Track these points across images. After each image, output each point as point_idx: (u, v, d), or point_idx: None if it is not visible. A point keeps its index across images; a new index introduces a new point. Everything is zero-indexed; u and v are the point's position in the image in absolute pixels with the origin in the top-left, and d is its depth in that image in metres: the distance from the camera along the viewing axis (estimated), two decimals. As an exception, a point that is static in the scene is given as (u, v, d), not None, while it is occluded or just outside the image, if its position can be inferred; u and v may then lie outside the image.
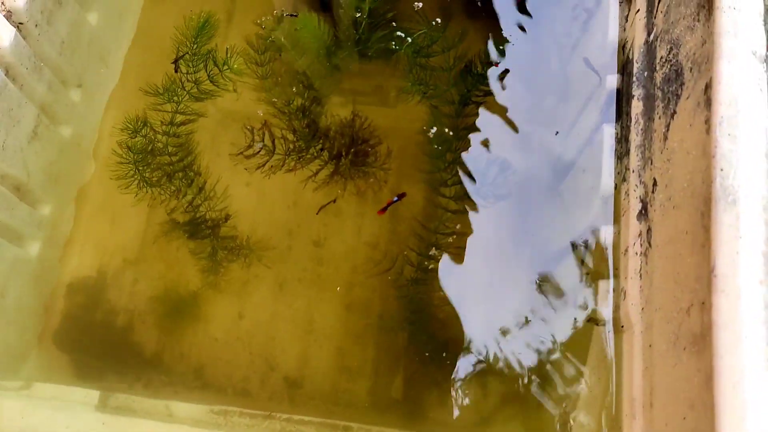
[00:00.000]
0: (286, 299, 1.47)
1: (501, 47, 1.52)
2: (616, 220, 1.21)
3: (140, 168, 1.39)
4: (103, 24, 1.61)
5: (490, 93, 1.50)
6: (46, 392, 1.33)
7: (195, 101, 1.45)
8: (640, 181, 1.12)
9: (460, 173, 1.46)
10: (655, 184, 1.06)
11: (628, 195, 1.16)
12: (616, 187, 1.22)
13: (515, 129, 1.50)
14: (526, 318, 1.34)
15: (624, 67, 1.26)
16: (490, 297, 1.44)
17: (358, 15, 1.47)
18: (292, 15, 1.41)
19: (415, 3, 1.56)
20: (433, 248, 1.43)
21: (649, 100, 1.13)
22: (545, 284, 1.34)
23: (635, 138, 1.15)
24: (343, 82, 1.50)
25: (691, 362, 0.84)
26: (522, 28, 1.55)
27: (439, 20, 1.55)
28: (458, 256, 1.44)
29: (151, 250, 1.47)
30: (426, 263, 1.42)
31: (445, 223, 1.44)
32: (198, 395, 1.38)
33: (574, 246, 1.31)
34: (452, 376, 1.39)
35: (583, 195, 1.35)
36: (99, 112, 1.55)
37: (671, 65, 1.05)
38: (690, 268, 0.88)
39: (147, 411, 1.30)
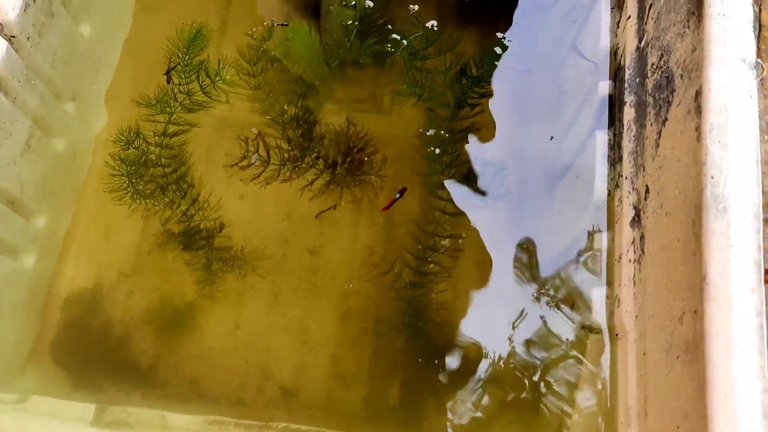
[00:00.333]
0: (281, 309, 1.46)
1: (496, 51, 1.52)
2: (610, 226, 1.21)
3: (133, 180, 1.39)
4: (95, 36, 1.61)
5: (485, 95, 1.50)
6: (42, 406, 1.33)
7: (188, 112, 1.45)
8: (633, 188, 1.12)
9: (457, 175, 1.45)
10: (647, 191, 1.06)
11: (621, 202, 1.16)
12: (609, 194, 1.22)
13: (510, 132, 1.50)
14: (523, 323, 1.34)
15: (616, 74, 1.26)
16: (488, 301, 1.43)
17: (350, 23, 1.47)
18: (282, 24, 1.41)
19: (411, 6, 1.56)
20: (431, 251, 1.42)
21: (640, 107, 1.13)
22: (541, 290, 1.34)
23: (628, 145, 1.15)
24: (337, 89, 1.50)
25: (684, 371, 0.84)
26: (517, 33, 1.55)
27: (434, 23, 1.55)
28: (456, 259, 1.44)
29: (146, 261, 1.47)
30: (423, 266, 1.41)
31: (442, 226, 1.44)
32: (194, 406, 1.38)
33: (569, 252, 1.31)
34: (449, 382, 1.39)
35: (577, 201, 1.35)
36: (94, 124, 1.55)
37: (662, 72, 1.05)
38: (682, 275, 0.88)
39: (143, 423, 1.30)
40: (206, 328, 1.44)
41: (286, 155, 1.40)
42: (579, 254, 1.29)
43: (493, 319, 1.41)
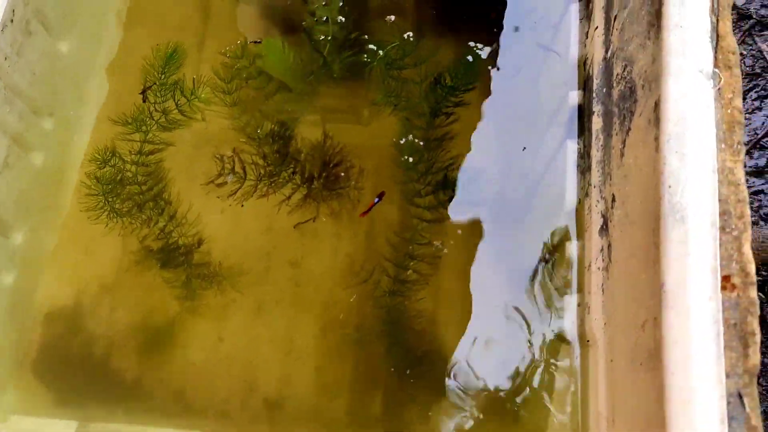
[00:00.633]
0: (264, 321, 1.47)
1: (470, 61, 1.54)
2: (580, 235, 1.22)
3: (110, 199, 1.40)
4: (75, 53, 1.62)
5: (460, 104, 1.52)
6: (22, 425, 1.33)
7: (164, 130, 1.46)
8: (601, 196, 1.13)
9: (433, 182, 1.47)
10: (614, 199, 1.07)
11: (590, 210, 1.17)
12: (579, 202, 1.24)
13: (485, 140, 1.52)
14: (501, 330, 1.35)
15: (585, 83, 1.28)
16: (466, 308, 1.44)
17: (322, 38, 1.48)
18: (255, 42, 1.43)
19: (388, 17, 1.58)
20: (409, 259, 1.44)
21: (607, 117, 1.15)
22: (517, 297, 1.35)
23: (596, 154, 1.17)
24: (315, 103, 1.52)
25: (646, 378, 0.85)
26: (490, 43, 1.57)
27: (410, 34, 1.57)
28: (434, 266, 1.45)
29: (127, 277, 1.48)
30: (402, 275, 1.43)
31: (420, 233, 1.45)
32: (177, 420, 1.38)
33: (543, 260, 1.33)
34: (431, 391, 1.40)
35: (550, 209, 1.37)
36: (72, 141, 1.56)
37: (626, 82, 1.07)
38: (644, 284, 0.89)
39: (126, 439, 1.30)
40: (189, 342, 1.45)
41: (263, 171, 1.42)
42: (552, 262, 1.31)
43: (472, 327, 1.42)
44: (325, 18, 1.46)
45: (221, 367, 1.44)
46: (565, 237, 1.28)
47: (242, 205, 1.45)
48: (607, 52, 1.19)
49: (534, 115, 1.50)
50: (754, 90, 2.40)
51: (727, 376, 0.79)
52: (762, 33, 2.46)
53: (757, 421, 0.80)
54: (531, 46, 1.57)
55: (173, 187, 1.45)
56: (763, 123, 2.34)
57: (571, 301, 1.18)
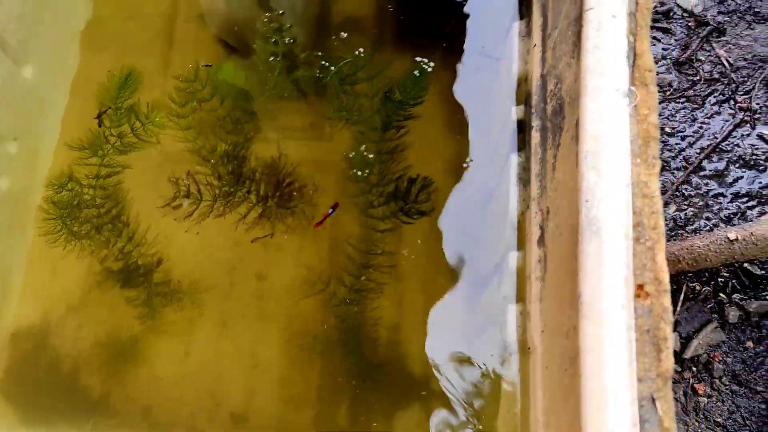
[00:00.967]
0: (230, 335, 1.50)
1: (418, 76, 1.58)
2: (522, 245, 1.27)
3: (67, 222, 1.43)
4: (39, 77, 1.65)
5: (409, 118, 1.56)
6: (-11, 446, 1.35)
7: (120, 154, 1.50)
8: (539, 208, 1.18)
9: (384, 194, 1.51)
10: (548, 212, 1.11)
11: (530, 222, 1.22)
12: (522, 214, 1.28)
13: (435, 152, 1.56)
14: (453, 338, 1.39)
15: (526, 99, 1.32)
16: (421, 315, 1.48)
17: (272, 59, 1.52)
18: (207, 65, 1.47)
19: (341, 33, 1.62)
20: (365, 269, 1.47)
21: (543, 132, 1.19)
22: (468, 304, 1.39)
23: (535, 167, 1.21)
24: (268, 123, 1.56)
25: (570, 384, 0.89)
26: (440, 59, 1.62)
27: (362, 50, 1.61)
28: (389, 275, 1.49)
29: (93, 296, 1.51)
30: (358, 284, 1.46)
31: (375, 244, 1.49)
32: (145, 436, 1.41)
33: (490, 268, 1.37)
34: (393, 400, 1.43)
35: (495, 220, 1.41)
36: (36, 165, 1.59)
37: (557, 99, 1.12)
38: (568, 294, 0.93)
39: (93, 456, 1.32)
40: (155, 358, 1.47)
41: (218, 191, 1.45)
42: (499, 271, 1.35)
43: (427, 334, 1.46)
44: (274, 40, 1.51)
45: (187, 381, 1.46)
46: (510, 247, 1.32)
47: (197, 233, 1.48)
48: (543, 69, 1.24)
49: (481, 129, 1.55)
50: (713, 95, 2.46)
51: (641, 380, 0.83)
52: (719, 39, 2.52)
53: (670, 423, 0.84)
54: (479, 61, 1.61)
55: (132, 209, 1.48)
56: (722, 127, 2.40)
57: (514, 310, 1.22)
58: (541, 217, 1.16)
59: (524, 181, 1.28)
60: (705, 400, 2.10)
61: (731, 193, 2.33)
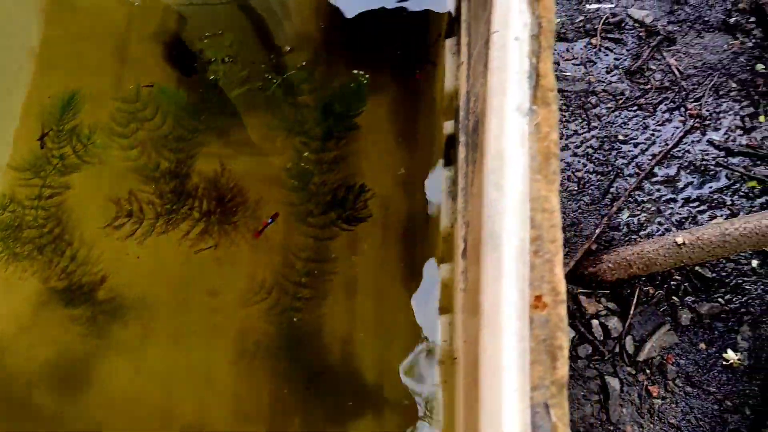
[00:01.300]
0: (182, 352, 1.52)
1: (358, 88, 1.62)
2: (450, 258, 1.30)
3: (10, 244, 1.45)
4: (-10, 99, 1.67)
5: (350, 129, 1.60)
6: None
7: (62, 175, 1.52)
8: (464, 221, 1.21)
9: (323, 202, 1.54)
10: (468, 225, 1.15)
11: (457, 235, 1.25)
12: (451, 226, 1.32)
13: (372, 163, 1.60)
14: (393, 347, 1.43)
15: (455, 114, 1.36)
16: (365, 323, 1.51)
17: (212, 77, 1.56)
18: (148, 86, 1.50)
19: (285, 47, 1.66)
20: (307, 277, 1.50)
21: (467, 147, 1.23)
22: (405, 313, 1.43)
23: (461, 181, 1.25)
24: (212, 139, 1.59)
25: (475, 394, 0.93)
26: (379, 72, 1.66)
27: (304, 63, 1.65)
28: (331, 282, 1.52)
29: (43, 314, 1.53)
30: (302, 293, 1.49)
31: (316, 252, 1.52)
32: (97, 454, 1.42)
33: (426, 278, 1.41)
34: (345, 411, 1.46)
35: (428, 232, 1.46)
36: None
37: (475, 116, 1.16)
38: (477, 305, 0.97)
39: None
40: (107, 376, 1.49)
41: (160, 209, 1.48)
42: (433, 281, 1.39)
43: (379, 343, 1.50)
44: (213, 59, 1.54)
45: (139, 399, 1.48)
46: (443, 259, 1.36)
47: (147, 251, 1.51)
48: (468, 86, 1.28)
49: (416, 141, 1.59)
50: (664, 103, 2.52)
51: (536, 388, 0.87)
52: (670, 48, 2.58)
53: (564, 429, 0.88)
54: (407, 73, 1.66)
55: (75, 229, 1.50)
56: (673, 134, 2.46)
57: (442, 321, 1.26)
58: (465, 230, 1.20)
59: (453, 194, 1.32)
60: (659, 401, 2.14)
61: (682, 198, 2.38)
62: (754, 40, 2.61)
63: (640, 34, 2.62)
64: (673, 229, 2.33)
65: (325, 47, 1.75)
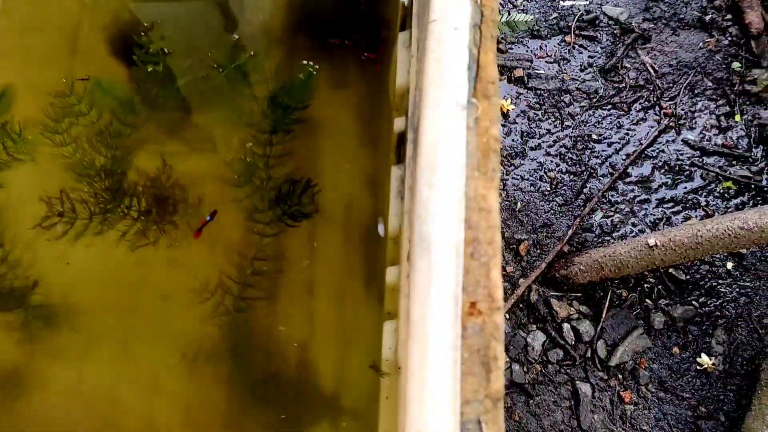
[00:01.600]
0: (130, 358, 1.45)
1: (307, 80, 1.56)
2: (397, 260, 1.24)
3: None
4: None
5: (298, 121, 1.54)
6: None
7: (-9, 173, 1.45)
8: (409, 222, 1.15)
9: (268, 197, 1.49)
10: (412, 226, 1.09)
11: (404, 236, 1.19)
12: (400, 227, 1.25)
13: (320, 157, 1.54)
14: (344, 350, 1.37)
15: (407, 111, 1.30)
16: (322, 325, 1.45)
17: (150, 68, 1.49)
18: (83, 79, 1.43)
19: (233, 36, 1.60)
20: (254, 275, 1.45)
21: (413, 145, 1.17)
22: (364, 318, 1.37)
23: (408, 180, 1.18)
24: (150, 135, 1.51)
25: (405, 408, 0.86)
26: (330, 63, 1.60)
27: (253, 52, 1.59)
28: (282, 282, 1.46)
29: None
30: (248, 293, 1.43)
31: (263, 249, 1.47)
32: (36, 466, 1.36)
33: (374, 284, 1.35)
34: (302, 419, 1.40)
35: (377, 231, 1.40)
36: None
37: (418, 111, 1.09)
38: (408, 311, 0.90)
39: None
40: (46, 384, 1.41)
41: (94, 208, 1.41)
42: (380, 286, 1.32)
43: (338, 348, 1.44)
44: (154, 51, 1.47)
45: (81, 408, 1.40)
46: (393, 261, 1.29)
47: (67, 263, 1.44)
48: (418, 80, 1.21)
49: (380, 138, 1.53)
50: (638, 102, 2.46)
51: (468, 402, 0.80)
52: (644, 46, 2.53)
53: (497, 445, 0.81)
54: (370, 68, 1.60)
55: (8, 229, 1.43)
56: (647, 133, 2.40)
57: (387, 327, 1.19)
58: (410, 231, 1.13)
59: (402, 194, 1.26)
60: (632, 407, 2.08)
61: (656, 199, 2.33)
62: (730, 38, 2.56)
63: (615, 31, 2.56)
64: (647, 230, 2.28)
65: (280, 37, 1.69)
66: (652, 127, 2.39)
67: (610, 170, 2.33)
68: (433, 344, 0.80)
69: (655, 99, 2.43)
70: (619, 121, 2.41)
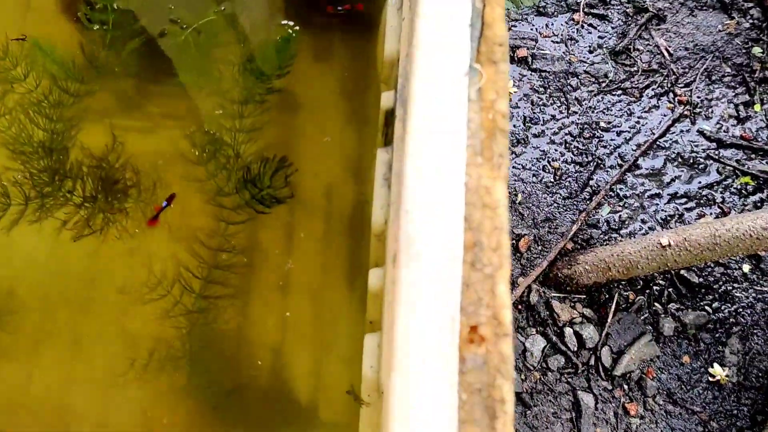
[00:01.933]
0: (84, 357, 1.30)
1: (285, 43, 1.36)
2: (383, 261, 1.05)
3: None
4: None
5: (272, 91, 1.35)
6: None
7: None
8: (396, 214, 0.95)
9: (235, 178, 1.30)
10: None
11: (390, 233, 0.99)
12: (386, 222, 1.06)
13: (297, 131, 1.37)
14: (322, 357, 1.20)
15: (395, 84, 1.10)
16: (298, 328, 1.31)
17: (98, 28, 1.27)
18: (19, 39, 1.22)
19: None
20: (218, 269, 1.27)
21: (402, 123, 0.97)
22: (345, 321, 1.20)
23: (396, 165, 0.99)
24: (98, 106, 1.31)
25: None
26: (312, 25, 1.41)
27: (224, 7, 1.39)
28: (246, 276, 1.30)
29: None
30: (211, 291, 1.27)
31: (227, 239, 1.28)
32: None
33: (358, 282, 1.17)
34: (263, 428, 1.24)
35: (358, 223, 1.22)
36: None
37: (404, 81, 0.89)
38: (391, 334, 0.71)
39: None
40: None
41: (31, 192, 1.21)
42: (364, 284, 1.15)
43: (314, 356, 1.28)
44: (102, 6, 1.25)
45: (29, 412, 1.26)
46: (377, 262, 1.10)
47: (11, 226, 1.24)
48: (408, 48, 1.01)
49: (365, 117, 1.35)
50: (651, 87, 2.27)
51: (464, 459, 0.61)
52: (659, 27, 2.33)
53: None
54: (354, 34, 1.40)
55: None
56: (660, 122, 2.21)
57: (368, 341, 1.00)
58: (396, 227, 0.93)
59: (389, 182, 1.06)
60: (637, 421, 1.91)
61: (668, 194, 2.14)
62: (751, 21, 2.36)
63: (627, 10, 2.36)
64: (658, 227, 2.09)
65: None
66: (665, 116, 2.19)
67: (619, 161, 2.14)
68: (421, 381, 0.60)
69: (669, 85, 2.23)
70: (629, 108, 2.21)
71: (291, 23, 1.37)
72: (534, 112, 2.16)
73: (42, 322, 1.33)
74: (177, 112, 1.31)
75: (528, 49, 2.25)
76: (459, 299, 0.64)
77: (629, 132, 2.21)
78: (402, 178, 0.69)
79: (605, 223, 2.09)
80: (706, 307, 2.00)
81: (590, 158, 2.16)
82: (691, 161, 2.17)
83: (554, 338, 1.92)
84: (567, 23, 2.32)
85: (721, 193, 2.13)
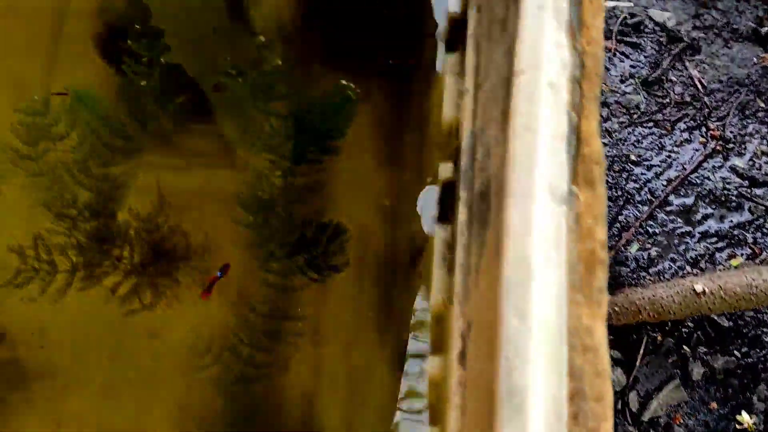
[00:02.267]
0: (113, 404, 1.26)
1: (344, 103, 1.32)
2: (440, 350, 1.00)
3: None
4: None
5: (328, 151, 1.30)
6: None
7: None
8: (462, 312, 0.91)
9: (288, 243, 1.26)
10: (469, 327, 0.85)
11: (452, 325, 0.95)
12: (443, 305, 1.02)
13: (352, 195, 1.31)
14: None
15: (456, 156, 1.05)
16: (338, 391, 1.26)
17: (143, 83, 1.22)
18: (61, 93, 1.16)
19: (259, 37, 1.35)
20: (267, 337, 1.24)
21: (470, 212, 0.92)
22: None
23: (460, 253, 0.94)
24: (145, 164, 1.26)
25: None
26: (372, 86, 1.37)
27: (280, 62, 1.35)
28: (294, 345, 1.26)
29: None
30: (258, 356, 1.23)
31: (277, 305, 1.26)
32: None
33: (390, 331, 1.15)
34: None
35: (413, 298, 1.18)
36: None
37: (484, 177, 0.85)
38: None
39: None
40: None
41: (76, 259, 1.16)
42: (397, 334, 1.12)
43: (331, 401, 1.25)
44: (145, 58, 1.20)
45: None
46: (435, 347, 1.06)
47: (59, 296, 1.20)
48: (474, 125, 0.96)
49: (402, 165, 1.30)
50: (683, 120, 2.22)
51: None
52: (693, 57, 2.28)
53: None
54: (410, 95, 1.36)
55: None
56: (692, 157, 2.17)
57: (426, 435, 0.96)
58: (463, 325, 0.89)
59: (449, 263, 1.02)
60: (663, 466, 1.88)
61: (699, 232, 2.10)
62: (786, 54, 2.31)
63: (661, 39, 2.31)
64: (687, 267, 2.06)
65: (301, 41, 1.45)
66: (697, 150, 2.15)
67: (650, 197, 2.10)
68: None
69: (701, 118, 2.19)
70: (661, 141, 2.17)
71: (351, 85, 1.32)
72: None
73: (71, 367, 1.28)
74: (226, 170, 1.26)
75: (560, 79, 2.19)
76: (565, 461, 0.60)
77: (660, 166, 2.16)
78: (499, 315, 0.64)
79: (634, 261, 2.05)
80: (735, 352, 1.97)
81: (620, 193, 2.12)
82: (723, 199, 2.13)
83: (582, 381, 1.89)
84: (600, 52, 2.26)
85: (752, 233, 2.10)
